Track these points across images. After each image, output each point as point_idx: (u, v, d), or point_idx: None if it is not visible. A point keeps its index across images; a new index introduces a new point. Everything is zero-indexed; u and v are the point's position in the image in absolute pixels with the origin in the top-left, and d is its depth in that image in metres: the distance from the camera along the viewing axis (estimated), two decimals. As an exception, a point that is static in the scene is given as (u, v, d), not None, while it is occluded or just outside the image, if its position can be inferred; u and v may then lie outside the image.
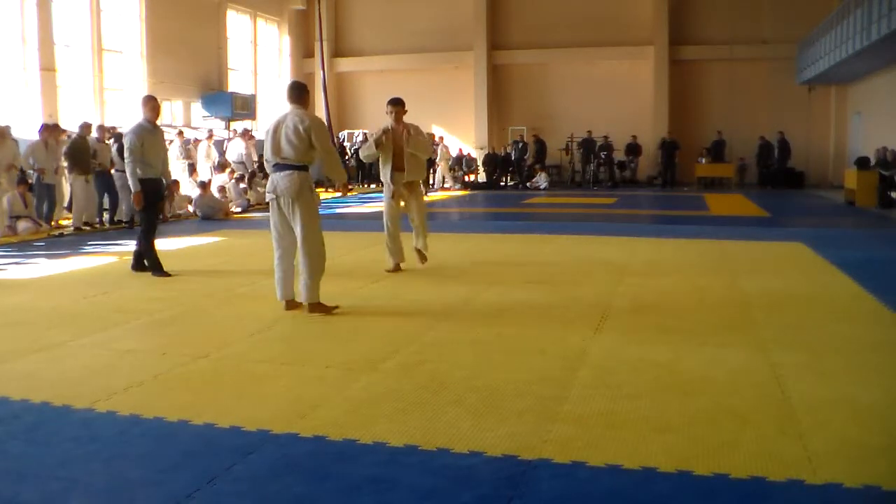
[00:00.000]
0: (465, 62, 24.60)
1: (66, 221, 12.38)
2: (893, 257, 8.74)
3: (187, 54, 19.77)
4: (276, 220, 5.65)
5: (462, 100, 24.60)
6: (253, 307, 5.96)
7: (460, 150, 23.56)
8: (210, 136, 17.40)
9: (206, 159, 16.45)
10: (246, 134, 18.17)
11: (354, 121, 25.48)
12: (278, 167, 5.52)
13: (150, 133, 7.40)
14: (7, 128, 11.73)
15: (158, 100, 7.80)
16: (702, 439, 3.19)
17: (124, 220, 12.08)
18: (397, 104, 7.34)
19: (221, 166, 16.10)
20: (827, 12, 19.04)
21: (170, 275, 7.36)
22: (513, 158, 22.79)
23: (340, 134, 23.98)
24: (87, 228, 11.79)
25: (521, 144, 22.84)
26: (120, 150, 8.71)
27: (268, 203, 5.73)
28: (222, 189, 14.79)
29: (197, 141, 17.08)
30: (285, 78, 25.14)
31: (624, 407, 3.60)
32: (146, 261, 7.51)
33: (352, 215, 14.86)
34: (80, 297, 6.48)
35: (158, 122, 7.59)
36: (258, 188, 16.78)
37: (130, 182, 7.33)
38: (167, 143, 14.69)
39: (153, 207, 7.54)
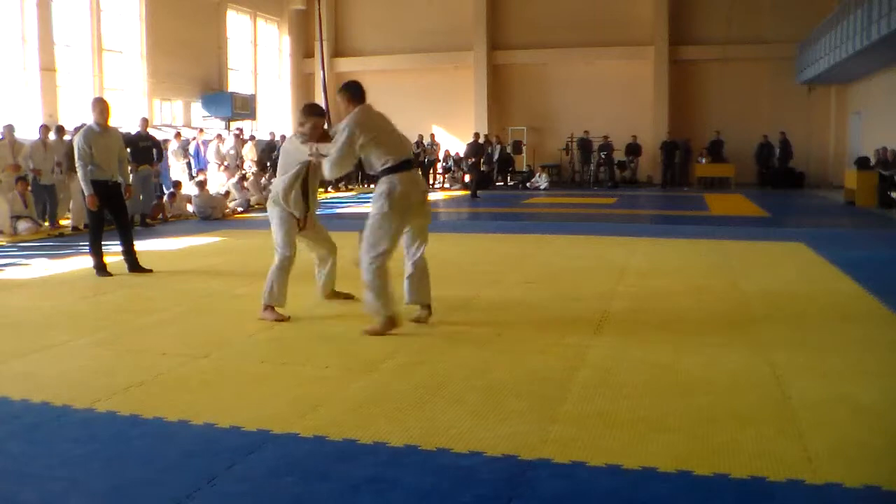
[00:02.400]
0: (465, 62, 24.59)
1: (66, 221, 12.38)
2: (893, 257, 8.74)
3: (187, 54, 19.77)
4: (402, 225, 5.00)
5: (462, 100, 24.60)
6: (253, 307, 5.95)
7: (447, 151, 23.61)
8: (219, 137, 17.37)
9: (215, 158, 16.44)
10: (240, 134, 18.20)
11: (354, 121, 25.45)
12: (410, 164, 5.06)
13: (99, 136, 7.40)
14: (10, 127, 11.72)
15: (107, 101, 7.74)
16: (702, 439, 3.19)
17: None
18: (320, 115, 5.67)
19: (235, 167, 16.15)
20: (827, 12, 19.04)
21: (112, 274, 7.40)
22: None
23: (340, 134, 23.94)
24: (86, 228, 11.77)
25: (489, 145, 22.86)
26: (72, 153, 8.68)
27: (276, 209, 5.38)
28: (227, 193, 14.82)
29: (206, 142, 17.01)
30: (285, 78, 25.15)
31: (624, 407, 3.60)
32: (92, 258, 7.54)
33: (350, 215, 14.85)
34: (80, 297, 6.49)
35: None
36: (261, 189, 16.80)
37: (83, 186, 7.36)
38: (164, 143, 14.78)
39: (104, 209, 7.56)
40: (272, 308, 5.48)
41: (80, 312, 5.93)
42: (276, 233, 5.55)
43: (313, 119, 5.50)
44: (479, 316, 5.59)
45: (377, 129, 5.00)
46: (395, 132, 5.12)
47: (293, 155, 5.49)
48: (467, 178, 21.70)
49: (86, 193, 7.38)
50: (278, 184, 5.54)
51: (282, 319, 5.40)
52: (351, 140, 4.91)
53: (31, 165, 11.73)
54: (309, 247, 5.83)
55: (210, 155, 16.49)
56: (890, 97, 17.75)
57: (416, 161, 5.15)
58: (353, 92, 5.10)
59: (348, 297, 5.91)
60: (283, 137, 19.80)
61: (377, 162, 4.94)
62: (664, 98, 23.24)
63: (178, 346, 4.81)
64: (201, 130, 17.78)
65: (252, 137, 19.35)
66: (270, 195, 5.67)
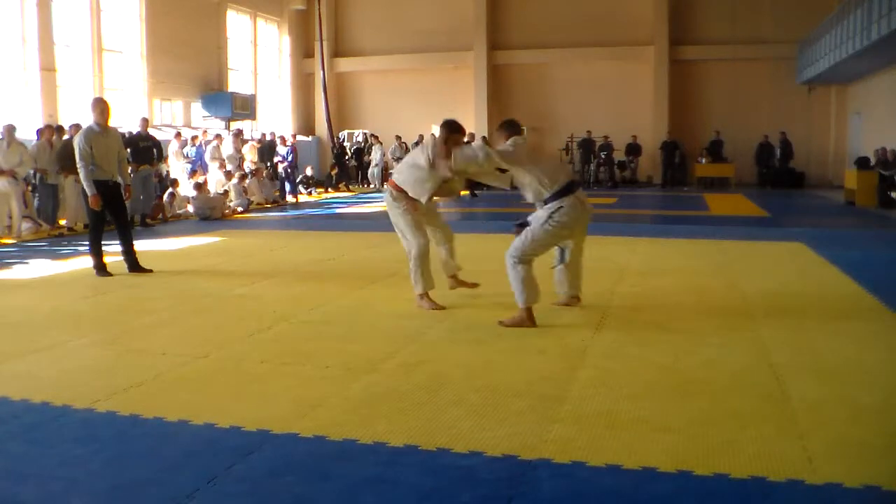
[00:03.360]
0: (465, 62, 24.59)
1: (65, 221, 12.36)
2: (893, 257, 8.74)
3: (187, 54, 19.75)
4: (555, 242, 5.56)
5: (462, 100, 24.59)
6: (253, 307, 5.96)
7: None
8: (219, 137, 17.34)
9: (210, 160, 16.42)
10: (239, 135, 18.21)
11: (354, 121, 25.49)
12: (574, 187, 5.38)
13: (100, 136, 7.41)
14: (12, 127, 11.69)
15: (107, 101, 7.73)
16: (702, 439, 3.19)
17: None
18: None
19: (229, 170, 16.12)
20: (827, 12, 19.04)
21: (112, 274, 7.40)
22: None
23: (340, 134, 23.99)
24: (85, 229, 11.76)
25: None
26: (71, 154, 8.66)
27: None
28: (226, 193, 14.82)
29: (208, 142, 16.97)
30: (285, 78, 25.14)
31: (624, 407, 3.60)
32: (92, 258, 7.54)
33: (351, 215, 14.86)
34: (80, 297, 6.49)
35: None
36: (262, 189, 16.79)
37: (86, 186, 7.36)
38: (165, 143, 14.76)
39: (105, 209, 7.56)
40: (427, 295, 5.82)
41: (80, 312, 5.93)
42: (404, 227, 5.84)
43: (455, 136, 5.77)
44: (480, 316, 5.59)
45: (536, 158, 5.44)
46: (554, 161, 5.63)
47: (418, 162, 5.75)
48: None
49: (88, 193, 7.37)
50: (409, 186, 5.75)
51: (438, 307, 5.74)
52: (498, 160, 5.30)
53: (33, 164, 11.70)
54: (430, 232, 6.09)
55: (209, 155, 16.46)
56: (890, 97, 17.75)
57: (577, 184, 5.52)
58: (510, 127, 5.56)
59: (474, 285, 6.19)
60: (287, 138, 19.84)
61: (541, 189, 5.26)
62: (664, 98, 23.23)
63: (178, 346, 4.81)
64: (205, 132, 17.70)
65: (262, 137, 19.30)
66: (388, 195, 5.89)
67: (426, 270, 5.79)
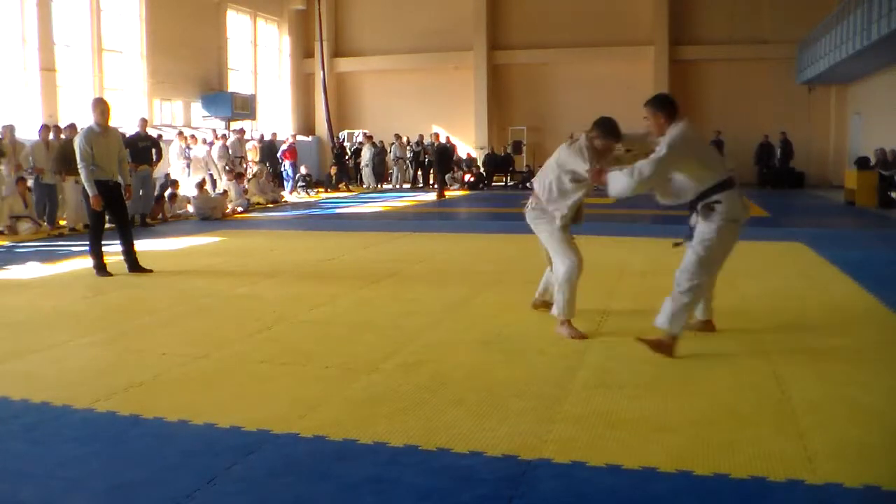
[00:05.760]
0: (465, 62, 24.58)
1: (65, 222, 12.37)
2: (893, 257, 8.73)
3: (187, 54, 19.75)
4: (730, 247, 4.87)
5: (462, 100, 24.59)
6: (253, 307, 5.96)
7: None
8: (224, 137, 17.32)
9: (219, 159, 16.43)
10: (241, 133, 18.22)
11: (354, 121, 25.50)
12: (734, 182, 4.65)
13: (100, 136, 7.42)
14: (11, 127, 11.69)
15: (107, 102, 7.74)
16: (702, 439, 3.19)
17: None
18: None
19: (232, 170, 16.12)
20: (827, 12, 19.04)
21: (112, 274, 7.40)
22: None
23: (340, 134, 23.99)
24: (85, 229, 11.76)
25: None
26: (69, 156, 8.66)
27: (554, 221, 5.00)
28: (225, 193, 14.82)
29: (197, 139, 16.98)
30: (285, 78, 25.15)
31: (624, 407, 3.60)
32: (92, 258, 7.56)
33: (350, 215, 14.86)
34: (80, 297, 6.49)
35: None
36: (263, 189, 16.80)
37: (87, 186, 7.37)
38: (167, 143, 14.76)
39: (105, 209, 7.57)
40: (569, 322, 4.98)
41: (80, 312, 5.93)
42: (551, 244, 5.11)
43: (607, 140, 5.29)
44: (479, 316, 5.59)
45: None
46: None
47: (568, 167, 5.09)
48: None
49: (90, 194, 7.37)
50: (552, 203, 5.06)
51: (581, 336, 4.88)
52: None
53: (30, 162, 11.71)
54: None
55: (217, 154, 16.47)
56: (890, 97, 17.75)
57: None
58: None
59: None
60: (291, 138, 19.83)
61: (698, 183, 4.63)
62: (664, 98, 23.21)
63: (178, 346, 4.81)
64: (215, 134, 17.62)
65: (261, 137, 19.26)
66: (533, 207, 5.21)
67: (573, 296, 4.96)
